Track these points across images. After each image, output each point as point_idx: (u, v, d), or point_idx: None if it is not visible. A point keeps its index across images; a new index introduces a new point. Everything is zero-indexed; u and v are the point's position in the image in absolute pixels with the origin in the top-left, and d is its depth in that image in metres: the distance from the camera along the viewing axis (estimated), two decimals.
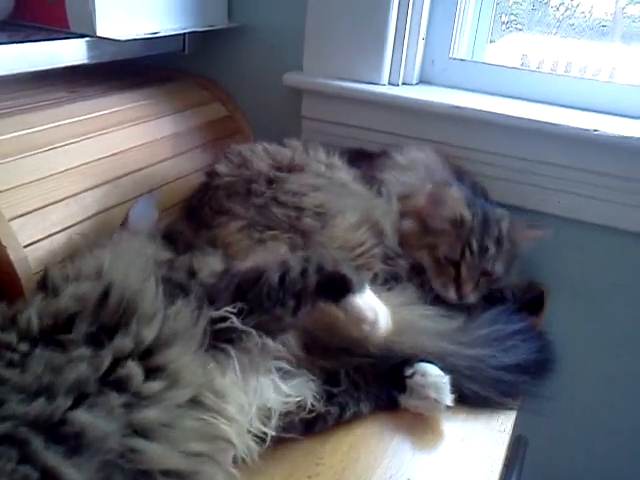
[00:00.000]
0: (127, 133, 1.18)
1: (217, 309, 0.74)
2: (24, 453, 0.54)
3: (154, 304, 0.71)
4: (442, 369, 0.85)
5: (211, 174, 1.07)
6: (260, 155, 1.07)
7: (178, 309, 0.71)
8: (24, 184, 0.95)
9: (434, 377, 0.83)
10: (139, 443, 0.61)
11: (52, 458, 0.55)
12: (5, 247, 0.88)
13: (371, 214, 1.04)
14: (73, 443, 0.57)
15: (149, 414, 0.63)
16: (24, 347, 0.65)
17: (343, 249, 0.97)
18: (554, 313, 1.20)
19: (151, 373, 0.66)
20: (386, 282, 0.99)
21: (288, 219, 0.97)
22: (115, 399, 0.62)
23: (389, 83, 1.31)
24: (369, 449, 0.81)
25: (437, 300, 1.03)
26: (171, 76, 1.43)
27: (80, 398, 0.60)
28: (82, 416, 0.59)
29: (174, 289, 0.74)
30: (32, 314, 0.67)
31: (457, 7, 1.31)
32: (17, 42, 1.00)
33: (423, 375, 0.83)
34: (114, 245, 0.83)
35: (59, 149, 1.04)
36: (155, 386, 0.65)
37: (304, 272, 0.79)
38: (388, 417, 0.86)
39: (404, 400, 0.85)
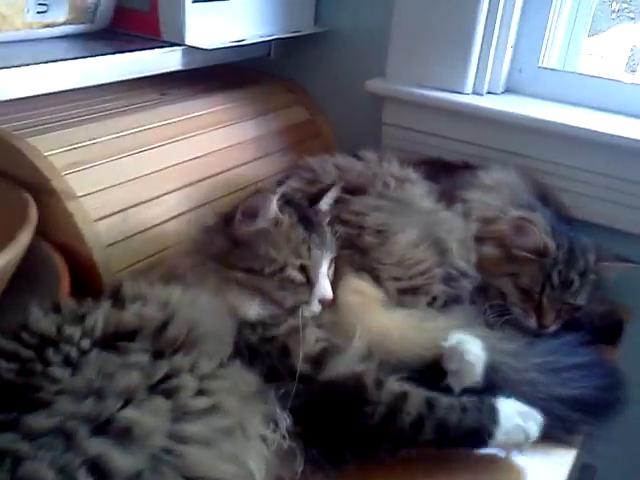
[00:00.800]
0: (212, 136, 1.22)
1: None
2: (70, 444, 0.59)
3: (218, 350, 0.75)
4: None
5: (281, 184, 1.09)
6: (330, 172, 1.10)
7: (243, 373, 0.75)
8: (112, 186, 1.01)
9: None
10: (180, 447, 0.65)
11: (99, 447, 0.59)
12: (91, 248, 0.95)
13: (434, 231, 1.03)
14: (121, 437, 0.61)
15: (192, 428, 0.67)
16: (85, 344, 0.70)
17: (401, 266, 0.97)
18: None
19: (201, 392, 0.70)
20: (445, 304, 0.98)
21: (349, 237, 0.99)
22: (162, 403, 0.66)
23: (473, 92, 1.28)
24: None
25: (508, 325, 1.01)
26: (258, 78, 1.46)
27: (128, 401, 0.64)
28: (129, 413, 0.63)
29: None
30: (99, 318, 0.73)
31: (551, 11, 1.25)
32: (112, 53, 1.07)
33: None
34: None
35: (147, 152, 1.10)
36: (202, 403, 0.69)
37: (418, 424, 0.76)
38: None
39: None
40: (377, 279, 0.96)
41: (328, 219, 0.98)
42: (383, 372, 0.81)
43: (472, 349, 0.83)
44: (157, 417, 0.65)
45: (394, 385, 0.79)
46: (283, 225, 0.89)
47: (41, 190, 0.94)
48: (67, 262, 0.94)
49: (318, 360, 0.80)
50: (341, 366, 0.80)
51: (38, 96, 1.03)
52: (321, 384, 0.78)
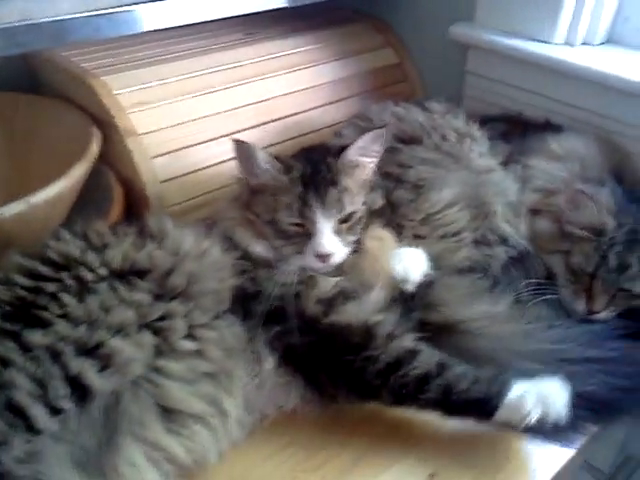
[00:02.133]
0: (287, 78, 1.24)
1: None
2: (56, 361, 0.68)
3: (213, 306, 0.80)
4: None
5: (337, 135, 1.09)
6: (389, 122, 1.06)
7: (233, 329, 0.80)
8: (173, 125, 1.09)
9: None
10: (161, 380, 0.73)
11: (81, 366, 0.68)
12: (145, 183, 1.04)
13: (479, 192, 0.98)
14: (104, 361, 0.70)
15: (175, 366, 0.74)
16: (102, 272, 0.78)
17: (428, 225, 0.95)
18: None
19: (189, 337, 0.76)
20: (471, 270, 0.94)
21: (385, 190, 0.97)
22: (149, 339, 0.74)
23: (565, 42, 1.16)
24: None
25: (548, 307, 0.95)
26: (346, 18, 1.43)
27: (118, 332, 0.72)
28: (115, 342, 0.71)
29: (244, 300, 0.82)
30: (118, 253, 0.80)
31: None
32: None
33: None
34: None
35: (215, 94, 1.15)
36: (188, 346, 0.76)
37: (423, 380, 0.76)
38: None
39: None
40: (401, 236, 0.95)
41: (358, 171, 0.93)
42: (402, 328, 0.81)
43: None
44: (140, 349, 0.73)
45: (407, 341, 0.79)
46: (279, 180, 0.89)
47: (107, 125, 1.04)
48: (125, 193, 1.05)
49: (330, 303, 0.82)
50: (353, 314, 0.80)
51: (123, 37, 1.11)
52: (327, 326, 0.80)
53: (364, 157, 0.93)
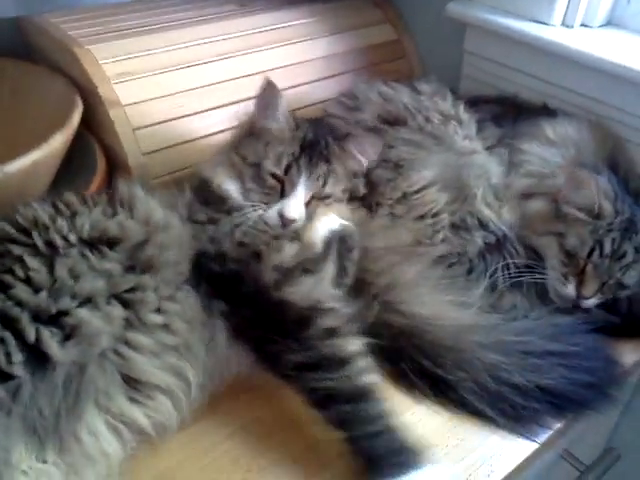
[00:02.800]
0: (279, 52, 1.22)
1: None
2: (11, 326, 0.67)
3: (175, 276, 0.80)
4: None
5: (324, 112, 1.08)
6: (374, 101, 1.05)
7: (191, 300, 0.79)
8: (158, 97, 1.08)
9: None
10: (129, 352, 0.73)
11: (39, 333, 0.68)
12: (127, 154, 1.03)
13: (459, 175, 0.96)
14: (69, 331, 0.70)
15: (144, 339, 0.74)
16: (72, 238, 0.77)
17: (405, 204, 0.94)
18: None
19: (159, 310, 0.76)
20: (447, 258, 0.93)
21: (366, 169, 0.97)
22: (118, 312, 0.74)
23: (562, 24, 1.12)
24: None
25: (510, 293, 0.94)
26: None
27: (87, 302, 0.72)
28: (83, 313, 0.71)
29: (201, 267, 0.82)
30: (87, 220, 0.79)
31: None
32: None
33: None
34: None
35: (202, 66, 1.14)
36: (157, 319, 0.76)
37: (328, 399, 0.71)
38: None
39: None
40: (376, 215, 0.95)
41: (350, 163, 0.96)
42: (354, 327, 0.78)
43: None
44: (109, 322, 0.73)
45: (352, 345, 0.75)
46: (283, 132, 0.94)
47: (91, 95, 1.03)
48: (109, 163, 1.05)
49: (287, 274, 0.80)
50: (305, 291, 0.79)
51: (114, 4, 1.10)
52: (276, 300, 0.78)
53: (360, 154, 0.96)
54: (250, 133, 0.96)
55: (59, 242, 0.76)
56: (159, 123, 1.07)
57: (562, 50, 1.09)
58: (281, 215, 0.89)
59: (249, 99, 1.14)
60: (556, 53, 1.10)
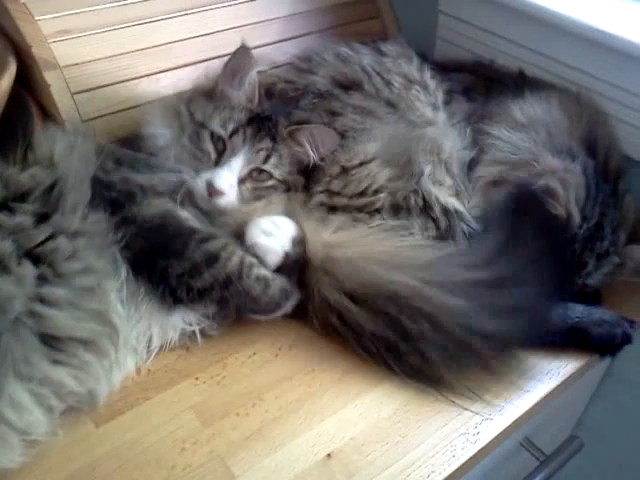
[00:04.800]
0: (236, 10, 1.13)
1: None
2: None
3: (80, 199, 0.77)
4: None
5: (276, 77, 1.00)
6: (330, 64, 0.98)
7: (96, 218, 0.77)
8: (101, 58, 1.00)
9: None
10: (45, 310, 0.69)
11: None
12: (65, 121, 0.96)
13: (406, 149, 0.89)
14: None
15: (59, 292, 0.70)
16: None
17: (341, 179, 0.88)
18: None
19: (73, 256, 0.72)
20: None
21: None
22: (30, 271, 0.69)
23: None
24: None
25: None
26: None
27: None
28: None
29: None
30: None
31: None
32: None
33: None
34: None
35: (151, 24, 1.05)
36: (74, 266, 0.72)
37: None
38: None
39: None
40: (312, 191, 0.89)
41: (296, 149, 0.91)
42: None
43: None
44: (21, 284, 0.68)
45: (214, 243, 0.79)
46: (241, 102, 0.90)
47: (26, 55, 0.95)
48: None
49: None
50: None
51: None
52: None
53: (310, 146, 0.90)
54: (207, 94, 0.92)
55: None
56: (102, 87, 0.99)
57: (540, 13, 1.00)
58: (209, 184, 0.84)
59: (204, 61, 1.08)
60: (534, 16, 1.02)
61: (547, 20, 1.00)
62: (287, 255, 0.80)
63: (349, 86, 0.95)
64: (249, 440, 0.73)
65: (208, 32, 1.09)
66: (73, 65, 0.97)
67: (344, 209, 0.87)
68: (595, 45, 0.96)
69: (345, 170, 0.88)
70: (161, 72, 1.04)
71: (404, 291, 0.77)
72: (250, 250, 0.80)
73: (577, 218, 0.85)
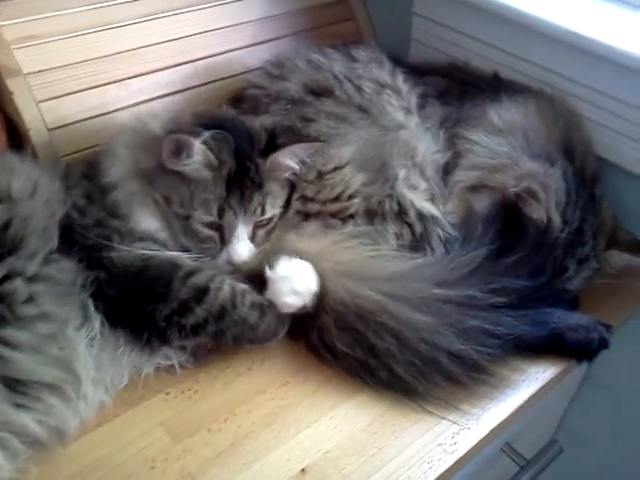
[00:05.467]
0: (206, 14, 1.10)
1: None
2: None
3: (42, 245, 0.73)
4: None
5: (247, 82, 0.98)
6: (301, 70, 0.97)
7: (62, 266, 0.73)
8: (67, 65, 0.97)
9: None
10: (7, 352, 0.66)
11: None
12: (29, 129, 0.93)
13: (379, 153, 0.88)
14: None
15: (20, 335, 0.68)
16: None
17: (315, 184, 0.86)
18: None
19: (30, 298, 0.69)
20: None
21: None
22: None
23: None
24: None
25: None
26: None
27: None
28: None
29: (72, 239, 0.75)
30: None
31: None
32: None
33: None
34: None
35: (118, 29, 1.02)
36: (31, 310, 0.69)
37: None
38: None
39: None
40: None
41: (285, 175, 0.86)
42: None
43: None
44: None
45: (202, 275, 0.76)
46: (202, 173, 0.79)
47: None
48: (12, 139, 0.95)
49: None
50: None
51: None
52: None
53: (292, 161, 0.85)
54: (165, 171, 0.81)
55: None
56: (70, 94, 0.97)
57: (513, 15, 0.99)
58: (231, 262, 0.81)
59: (175, 66, 1.06)
60: (507, 18, 1.00)
61: (520, 22, 0.99)
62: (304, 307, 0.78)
63: (321, 93, 0.93)
64: (221, 456, 0.71)
65: (179, 36, 1.07)
66: (38, 72, 0.95)
67: (317, 215, 0.85)
68: (568, 47, 0.95)
69: (320, 175, 0.86)
70: (131, 78, 1.02)
71: (369, 306, 0.76)
72: (272, 300, 0.78)
73: (558, 223, 0.85)
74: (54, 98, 0.95)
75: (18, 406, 0.67)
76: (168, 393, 0.77)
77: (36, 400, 0.68)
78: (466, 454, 0.74)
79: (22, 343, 0.68)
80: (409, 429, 0.75)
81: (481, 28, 1.06)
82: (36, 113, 0.93)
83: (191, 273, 0.76)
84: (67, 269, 0.73)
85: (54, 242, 0.74)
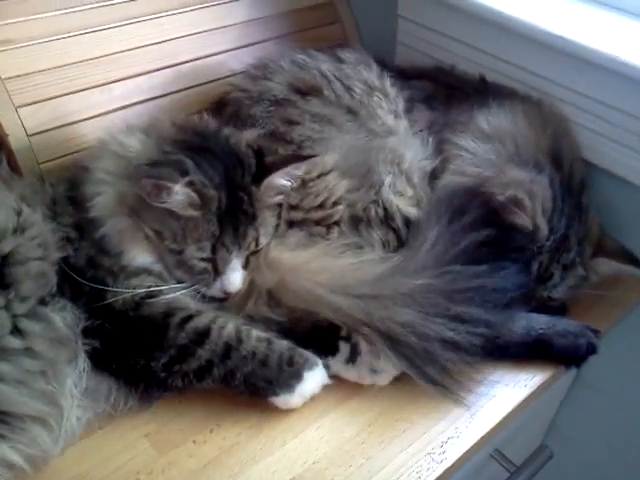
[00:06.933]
0: (189, 17, 1.09)
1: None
2: None
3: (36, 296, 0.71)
4: None
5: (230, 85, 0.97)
6: (286, 70, 0.94)
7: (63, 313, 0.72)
8: (46, 69, 0.95)
9: None
10: None
11: None
12: (8, 135, 0.91)
13: (365, 159, 0.87)
14: None
15: (5, 367, 0.66)
16: None
17: (299, 192, 0.84)
18: None
19: (17, 332, 0.68)
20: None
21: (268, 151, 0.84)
22: None
23: None
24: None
25: None
26: None
27: None
28: None
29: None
30: None
31: None
32: None
33: None
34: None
35: (97, 33, 1.00)
36: (16, 343, 0.67)
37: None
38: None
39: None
40: None
41: (276, 199, 0.82)
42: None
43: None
44: None
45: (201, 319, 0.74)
46: (191, 214, 0.75)
47: None
48: None
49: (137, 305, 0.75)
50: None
51: None
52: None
53: (290, 182, 0.81)
54: (153, 207, 0.76)
55: None
56: (50, 99, 0.95)
57: (498, 18, 0.99)
58: (226, 292, 0.79)
59: (158, 70, 1.05)
60: (492, 21, 1.00)
61: (505, 25, 0.99)
62: None
63: (307, 92, 0.91)
64: (207, 468, 0.70)
65: (161, 40, 1.05)
66: (16, 77, 0.92)
67: (301, 223, 0.83)
68: (553, 50, 0.95)
69: (304, 183, 0.84)
70: (113, 82, 1.00)
71: (357, 315, 0.75)
72: None
73: (545, 230, 0.84)
74: (34, 103, 0.93)
75: (1, 437, 0.65)
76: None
77: (19, 430, 0.66)
78: (455, 463, 0.73)
79: (5, 375, 0.66)
80: (397, 438, 0.74)
81: (466, 31, 1.06)
82: (15, 118, 0.91)
83: (189, 318, 0.74)
84: (67, 311, 0.72)
85: (51, 285, 0.72)
